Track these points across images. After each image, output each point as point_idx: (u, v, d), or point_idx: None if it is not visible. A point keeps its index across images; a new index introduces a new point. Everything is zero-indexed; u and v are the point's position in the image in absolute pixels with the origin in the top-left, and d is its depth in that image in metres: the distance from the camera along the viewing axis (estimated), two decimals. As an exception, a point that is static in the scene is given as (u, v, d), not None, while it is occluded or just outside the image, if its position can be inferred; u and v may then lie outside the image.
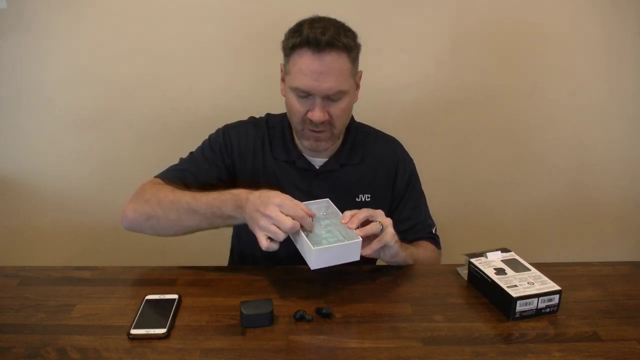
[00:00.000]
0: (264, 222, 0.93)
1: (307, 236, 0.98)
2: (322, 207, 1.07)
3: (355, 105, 1.20)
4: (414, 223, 1.26)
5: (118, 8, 1.56)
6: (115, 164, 1.72)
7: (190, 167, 1.21)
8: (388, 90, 1.67)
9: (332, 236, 1.02)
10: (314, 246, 0.93)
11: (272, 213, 0.92)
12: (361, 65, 1.17)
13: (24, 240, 1.79)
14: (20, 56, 1.60)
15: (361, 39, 1.13)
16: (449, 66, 1.67)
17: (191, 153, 1.26)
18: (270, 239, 0.93)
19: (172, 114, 1.68)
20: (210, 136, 1.26)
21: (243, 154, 1.22)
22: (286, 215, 0.92)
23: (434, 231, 1.29)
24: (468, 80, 1.69)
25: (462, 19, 1.63)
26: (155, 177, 1.20)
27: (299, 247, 0.97)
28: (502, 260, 1.02)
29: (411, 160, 1.31)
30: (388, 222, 1.01)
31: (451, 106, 1.71)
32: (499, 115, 1.74)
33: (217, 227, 1.07)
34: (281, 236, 0.92)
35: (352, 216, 0.98)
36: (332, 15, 1.12)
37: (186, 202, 1.05)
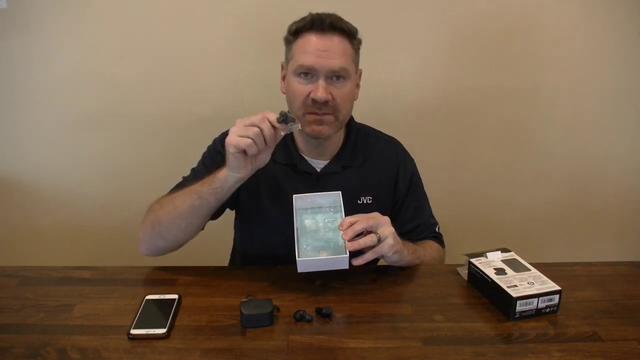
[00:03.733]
0: (230, 137, 0.96)
1: (307, 233, 1.02)
2: (331, 200, 1.08)
3: (356, 106, 1.20)
4: (418, 224, 1.26)
5: (118, 8, 1.56)
6: (115, 164, 1.72)
7: (193, 181, 1.20)
8: (389, 91, 1.67)
9: (335, 236, 1.02)
10: (307, 250, 0.98)
11: (237, 124, 0.96)
12: (362, 66, 1.17)
13: (24, 240, 1.79)
14: (20, 56, 1.60)
15: (362, 41, 1.14)
16: (449, 67, 1.67)
17: (192, 169, 1.26)
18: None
19: (172, 114, 1.67)
20: (208, 147, 1.26)
21: None
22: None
23: (437, 230, 1.29)
24: (468, 81, 1.69)
25: (463, 20, 1.63)
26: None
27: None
28: (502, 260, 1.02)
29: (412, 160, 1.31)
30: (388, 232, 1.00)
31: (452, 107, 1.71)
32: (500, 116, 1.74)
33: (209, 207, 1.06)
34: (252, 129, 0.95)
35: (350, 225, 0.97)
36: None
37: (180, 193, 1.08)
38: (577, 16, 1.64)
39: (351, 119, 1.25)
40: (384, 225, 1.00)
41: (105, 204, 1.76)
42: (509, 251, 1.06)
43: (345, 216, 1.01)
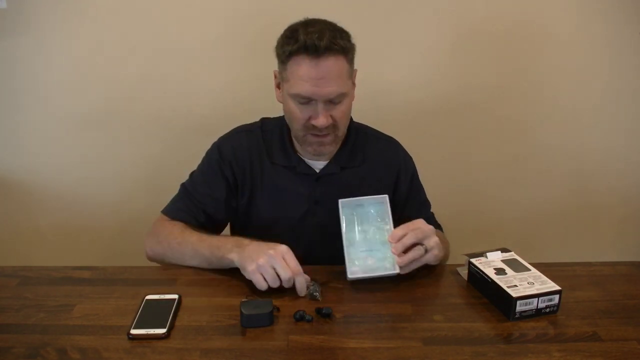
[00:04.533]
0: (263, 260, 0.96)
1: (356, 243, 1.05)
2: (378, 204, 1.08)
3: (356, 106, 1.20)
4: (424, 219, 1.26)
5: (118, 8, 1.56)
6: (115, 164, 1.72)
7: (193, 197, 1.22)
8: (389, 91, 1.67)
9: (383, 246, 1.03)
10: (357, 262, 1.03)
11: (276, 256, 0.96)
12: (362, 67, 1.16)
13: (24, 240, 1.79)
14: (20, 56, 1.60)
15: (362, 41, 1.13)
16: (449, 67, 1.67)
17: (191, 175, 1.26)
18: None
19: (172, 114, 1.67)
20: (207, 154, 1.26)
21: (240, 165, 1.21)
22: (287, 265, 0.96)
23: (435, 218, 1.32)
24: (468, 80, 1.69)
25: (463, 20, 1.63)
26: (162, 212, 1.22)
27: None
28: (502, 260, 1.02)
29: (411, 159, 1.31)
30: (434, 243, 1.02)
31: (452, 107, 1.71)
32: (500, 116, 1.74)
33: (216, 268, 1.08)
34: (275, 281, 0.96)
35: (400, 238, 0.99)
36: (333, 17, 1.11)
37: (191, 244, 1.10)
38: (577, 16, 1.64)
39: (350, 119, 1.24)
40: (430, 237, 1.02)
41: (106, 204, 1.76)
42: (509, 251, 1.06)
43: (392, 224, 1.04)
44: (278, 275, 0.96)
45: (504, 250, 1.06)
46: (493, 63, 1.68)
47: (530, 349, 0.84)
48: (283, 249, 0.98)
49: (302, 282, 0.97)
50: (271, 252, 0.97)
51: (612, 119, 1.76)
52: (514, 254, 1.05)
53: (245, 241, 1.04)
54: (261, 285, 0.96)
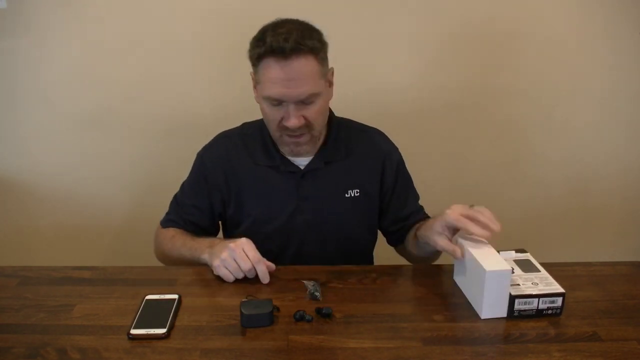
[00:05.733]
0: (225, 254, 1.02)
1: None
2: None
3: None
4: (411, 210, 1.26)
5: (118, 8, 1.56)
6: (114, 164, 1.72)
7: (181, 209, 1.26)
8: (387, 91, 1.66)
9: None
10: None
11: (236, 249, 1.02)
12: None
13: (24, 240, 1.79)
14: (20, 56, 1.60)
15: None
16: (448, 66, 1.67)
17: (182, 186, 1.28)
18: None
19: (171, 114, 1.67)
20: (193, 163, 1.27)
21: (224, 171, 1.22)
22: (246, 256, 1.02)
23: (425, 212, 1.30)
24: (467, 80, 1.69)
25: (461, 19, 1.63)
26: (160, 222, 1.28)
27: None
28: (514, 260, 1.02)
29: (396, 149, 1.29)
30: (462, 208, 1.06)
31: (451, 107, 1.71)
32: (499, 116, 1.74)
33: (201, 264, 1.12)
34: (238, 273, 1.02)
35: (485, 227, 1.01)
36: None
37: (177, 249, 1.18)
38: (577, 16, 1.64)
39: (331, 114, 1.23)
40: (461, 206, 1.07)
41: (106, 204, 1.76)
42: (525, 252, 1.06)
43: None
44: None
45: (519, 250, 1.06)
46: (493, 63, 1.68)
47: (530, 349, 0.84)
48: (242, 241, 1.04)
49: (263, 270, 1.02)
50: (231, 245, 1.03)
51: (612, 119, 1.76)
52: (529, 255, 1.04)
53: (216, 241, 1.12)
54: (227, 278, 1.02)
